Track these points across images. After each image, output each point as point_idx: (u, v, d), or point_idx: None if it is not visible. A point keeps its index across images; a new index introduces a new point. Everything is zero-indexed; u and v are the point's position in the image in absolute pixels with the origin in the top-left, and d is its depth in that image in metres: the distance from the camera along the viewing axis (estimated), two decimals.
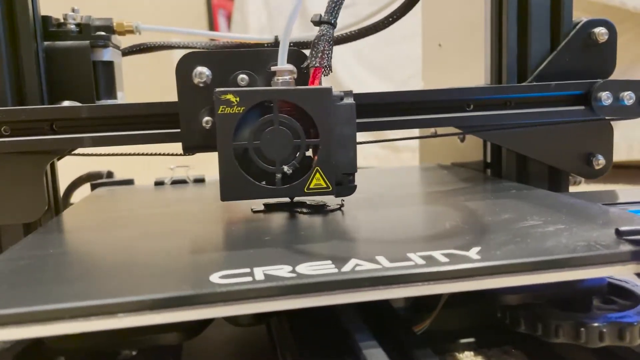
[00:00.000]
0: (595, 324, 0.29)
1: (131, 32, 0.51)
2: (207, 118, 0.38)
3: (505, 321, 0.32)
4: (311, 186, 0.36)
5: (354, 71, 1.49)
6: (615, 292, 0.34)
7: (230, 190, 0.35)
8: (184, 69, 0.38)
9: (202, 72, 0.38)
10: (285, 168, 0.35)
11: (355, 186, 0.37)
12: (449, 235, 0.31)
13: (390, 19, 0.50)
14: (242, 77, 0.38)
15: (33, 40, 0.42)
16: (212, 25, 2.55)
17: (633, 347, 0.34)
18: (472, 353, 0.41)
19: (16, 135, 0.40)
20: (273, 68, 0.37)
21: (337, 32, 0.53)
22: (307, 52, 0.37)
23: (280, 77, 0.36)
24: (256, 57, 0.38)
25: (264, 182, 0.36)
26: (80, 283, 0.26)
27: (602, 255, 0.26)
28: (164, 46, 0.53)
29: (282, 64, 0.36)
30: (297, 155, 0.35)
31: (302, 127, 0.35)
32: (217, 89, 0.34)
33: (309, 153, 0.37)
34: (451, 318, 0.40)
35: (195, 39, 0.54)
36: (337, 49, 0.66)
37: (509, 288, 0.29)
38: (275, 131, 0.35)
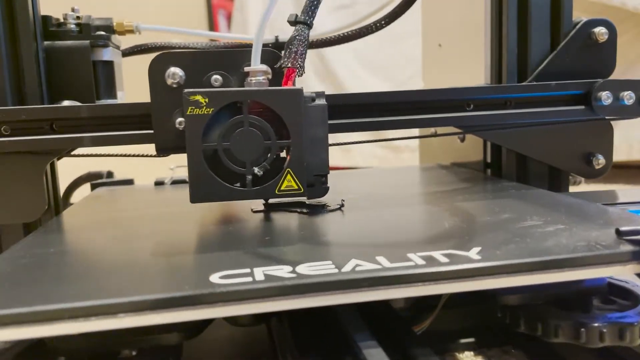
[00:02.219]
0: (595, 324, 0.29)
1: (131, 32, 0.51)
2: (180, 119, 0.37)
3: (505, 321, 0.32)
4: (282, 188, 0.35)
5: (354, 71, 1.49)
6: (615, 293, 0.34)
7: (199, 191, 0.35)
8: (157, 70, 0.37)
9: (175, 73, 0.37)
10: (256, 170, 0.35)
11: (328, 188, 0.37)
12: (449, 236, 0.31)
13: (389, 19, 0.50)
14: (216, 78, 0.37)
15: (33, 40, 0.42)
16: (212, 25, 2.55)
17: (633, 347, 0.34)
18: (472, 353, 0.41)
19: (16, 135, 0.39)
20: (246, 68, 0.36)
21: (337, 32, 0.53)
22: (282, 52, 0.37)
23: (253, 78, 0.36)
24: (230, 57, 0.38)
25: (237, 184, 0.35)
26: (81, 283, 0.26)
27: (602, 255, 0.26)
28: (164, 46, 0.53)
29: (256, 65, 0.36)
30: (268, 156, 0.35)
31: (275, 128, 0.35)
32: (186, 90, 0.34)
33: (284, 154, 0.36)
34: (451, 318, 0.40)
35: (195, 39, 0.54)
36: (337, 49, 0.66)
37: (509, 288, 0.30)
38: (245, 132, 0.35)
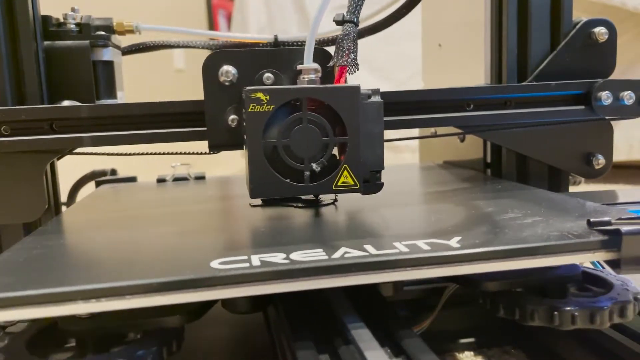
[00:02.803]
0: (568, 308, 0.31)
1: (131, 31, 0.51)
2: (232, 116, 0.38)
3: (486, 307, 0.34)
4: (339, 184, 0.36)
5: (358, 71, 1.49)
6: (590, 281, 0.35)
7: (259, 187, 0.35)
8: (210, 68, 0.38)
9: (228, 71, 0.38)
10: (314, 166, 0.35)
11: (383, 184, 0.37)
12: (433, 227, 0.33)
13: (391, 19, 0.50)
14: (268, 76, 0.38)
15: (33, 40, 0.42)
16: (212, 25, 2.56)
17: (630, 345, 0.35)
18: (472, 353, 0.41)
19: (16, 134, 0.40)
20: (299, 67, 0.37)
21: (337, 32, 0.53)
22: (330, 49, 0.38)
23: (306, 76, 0.37)
24: (281, 56, 0.39)
25: (291, 180, 0.36)
26: (91, 269, 0.28)
27: (573, 243, 0.28)
28: (164, 46, 0.53)
29: (308, 63, 0.37)
30: (325, 153, 0.36)
31: (331, 125, 0.35)
32: (247, 87, 0.34)
33: (334, 152, 0.37)
34: (451, 318, 0.40)
35: (195, 39, 0.54)
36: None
37: (490, 275, 0.32)
38: (304, 129, 0.35)
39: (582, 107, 0.46)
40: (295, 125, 0.35)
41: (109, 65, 0.47)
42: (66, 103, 0.42)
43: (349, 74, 0.37)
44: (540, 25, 0.48)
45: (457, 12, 0.57)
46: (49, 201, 0.45)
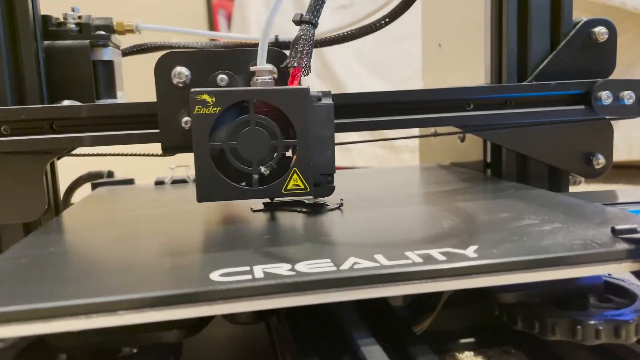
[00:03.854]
0: (592, 322, 0.29)
1: (131, 31, 0.51)
2: (186, 118, 0.37)
3: (502, 319, 0.33)
4: (289, 187, 0.35)
5: (354, 71, 1.49)
6: (611, 291, 0.34)
7: (206, 191, 0.35)
8: (163, 69, 0.37)
9: (181, 72, 0.37)
10: (263, 169, 0.35)
11: (334, 187, 0.37)
12: (446, 234, 0.31)
13: (388, 19, 0.50)
14: (222, 77, 0.38)
15: (33, 40, 0.42)
16: (212, 25, 2.55)
17: (630, 345, 0.34)
18: (472, 353, 0.41)
19: (16, 134, 0.39)
20: (252, 68, 0.36)
21: (336, 32, 0.53)
22: (287, 52, 0.37)
23: (259, 77, 0.36)
24: (236, 57, 0.38)
25: (243, 184, 0.35)
26: (82, 281, 0.26)
27: (598, 253, 0.26)
28: (164, 46, 0.53)
29: (262, 64, 0.36)
30: (274, 156, 0.35)
31: (281, 127, 0.35)
32: (193, 89, 0.34)
33: (289, 154, 0.36)
34: (451, 318, 0.40)
35: (195, 39, 0.54)
36: (337, 49, 0.66)
37: (506, 286, 0.29)
38: (251, 132, 0.35)
39: (582, 106, 0.46)
40: (243, 128, 0.35)
41: (109, 65, 0.47)
42: (66, 103, 0.42)
43: (304, 75, 0.36)
44: (540, 25, 0.47)
45: (457, 12, 0.57)
46: (49, 201, 0.45)
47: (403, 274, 0.25)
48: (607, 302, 0.33)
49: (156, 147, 0.48)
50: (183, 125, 0.37)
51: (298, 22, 0.36)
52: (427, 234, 0.33)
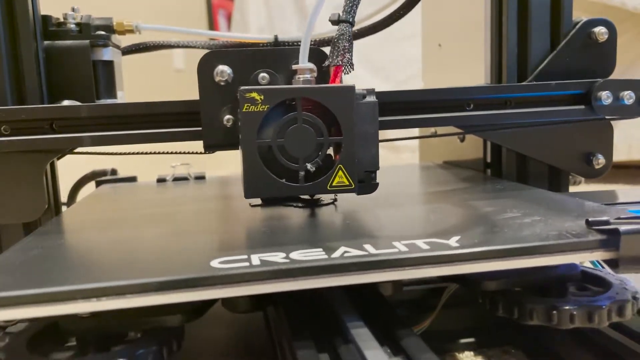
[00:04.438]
0: (567, 307, 0.31)
1: (131, 31, 0.51)
2: (228, 116, 0.38)
3: (486, 306, 0.34)
4: (334, 184, 0.36)
5: (353, 71, 1.49)
6: (589, 280, 0.35)
7: (254, 187, 0.35)
8: (205, 68, 0.38)
9: (223, 71, 0.38)
10: (309, 166, 0.35)
11: (378, 184, 0.37)
12: (433, 227, 0.33)
13: (391, 19, 0.51)
14: (263, 76, 0.38)
15: (33, 40, 0.42)
16: (212, 25, 2.56)
17: (631, 346, 0.35)
18: (472, 353, 0.41)
19: (16, 134, 0.40)
20: (294, 66, 0.37)
21: (334, 32, 0.53)
22: (326, 50, 0.38)
23: (301, 76, 0.37)
24: (277, 55, 0.39)
25: (286, 180, 0.36)
26: (91, 269, 0.28)
27: (571, 243, 0.28)
28: (164, 46, 0.53)
29: (304, 63, 0.37)
30: (320, 153, 0.36)
31: (326, 125, 0.35)
32: (242, 87, 0.34)
33: (330, 151, 0.37)
34: (451, 318, 0.40)
35: (195, 38, 0.54)
36: None
37: (489, 274, 0.32)
38: (298, 129, 0.35)
39: (582, 106, 0.46)
40: (290, 125, 0.35)
41: (109, 65, 0.47)
42: (66, 103, 0.42)
43: (345, 73, 0.37)
44: (540, 25, 0.48)
45: (457, 12, 0.57)
46: (49, 201, 0.45)
47: (389, 261, 0.27)
48: (586, 291, 0.35)
49: (158, 147, 0.48)
50: (225, 123, 0.38)
51: (336, 21, 0.37)
52: (415, 227, 0.35)
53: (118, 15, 0.51)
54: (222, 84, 0.38)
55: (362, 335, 0.29)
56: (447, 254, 0.27)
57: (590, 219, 0.30)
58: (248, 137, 0.35)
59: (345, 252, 0.27)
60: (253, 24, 1.71)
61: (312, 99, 0.35)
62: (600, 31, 0.46)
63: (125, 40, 0.52)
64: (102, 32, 0.47)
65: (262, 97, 0.34)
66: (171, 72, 2.50)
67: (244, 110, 0.34)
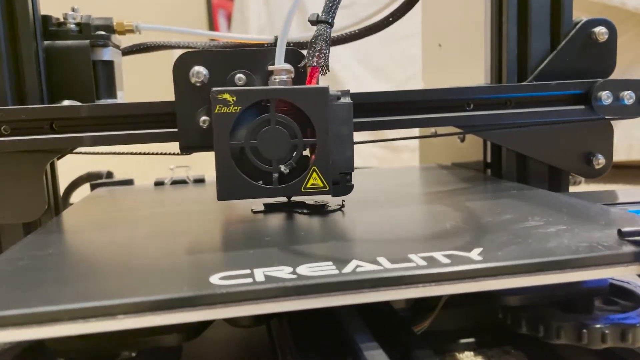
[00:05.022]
0: (597, 326, 0.29)
1: (131, 31, 0.51)
2: (204, 117, 0.38)
3: (507, 322, 0.32)
4: (308, 186, 0.35)
5: (354, 71, 1.49)
6: (616, 293, 0.34)
7: (226, 189, 0.35)
8: (181, 69, 0.38)
9: (199, 72, 0.37)
10: (282, 167, 0.35)
11: (352, 185, 0.37)
12: (450, 236, 0.31)
13: (390, 19, 0.50)
14: (239, 77, 0.38)
15: (33, 40, 0.42)
16: (212, 25, 2.55)
17: (634, 348, 0.34)
18: (472, 353, 0.41)
19: (16, 134, 0.39)
20: (270, 67, 0.37)
21: (337, 32, 0.53)
22: (305, 51, 0.37)
23: (277, 77, 0.36)
24: (253, 56, 0.38)
25: (260, 182, 0.35)
26: (80, 284, 0.25)
27: (605, 256, 0.26)
28: (164, 46, 0.53)
29: (280, 63, 0.36)
30: (294, 154, 0.35)
31: (299, 126, 0.35)
32: (214, 89, 0.34)
33: (307, 153, 0.36)
34: (451, 318, 0.40)
35: (195, 38, 0.54)
36: (336, 49, 0.66)
37: (511, 289, 0.29)
38: (272, 130, 0.35)
39: (582, 106, 0.46)
40: (263, 127, 0.35)
41: (109, 65, 0.47)
42: (66, 103, 0.42)
43: (321, 74, 0.36)
44: (540, 25, 0.47)
45: (457, 12, 0.57)
46: (49, 201, 0.45)
47: (406, 278, 0.24)
48: (612, 304, 0.33)
49: (156, 147, 0.48)
50: (201, 124, 0.38)
51: (314, 22, 0.36)
52: (429, 235, 0.33)
53: (118, 15, 0.51)
54: (198, 84, 0.38)
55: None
56: (470, 269, 0.25)
57: (623, 229, 0.27)
58: (221, 138, 0.34)
59: (358, 266, 0.25)
60: (253, 24, 1.71)
61: (286, 100, 0.35)
62: (601, 31, 0.46)
63: (126, 40, 0.52)
64: (102, 32, 0.47)
65: (234, 98, 0.34)
66: (171, 72, 2.50)
67: (216, 111, 0.34)
